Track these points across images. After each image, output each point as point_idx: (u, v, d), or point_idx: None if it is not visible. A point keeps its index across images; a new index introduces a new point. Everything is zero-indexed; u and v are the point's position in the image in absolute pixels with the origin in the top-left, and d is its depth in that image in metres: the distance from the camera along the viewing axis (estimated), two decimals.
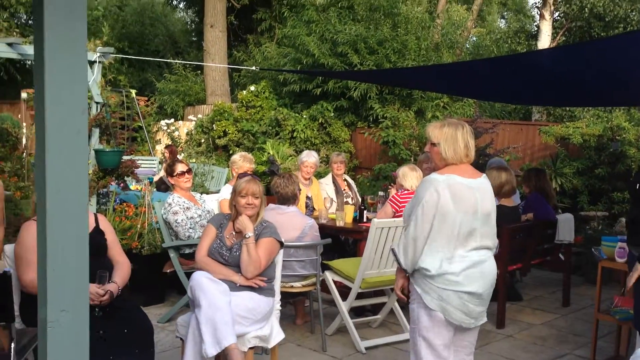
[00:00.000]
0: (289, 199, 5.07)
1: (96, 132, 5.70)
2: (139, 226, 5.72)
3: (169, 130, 14.17)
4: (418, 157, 7.33)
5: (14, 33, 5.27)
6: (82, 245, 1.09)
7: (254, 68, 9.44)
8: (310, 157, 6.63)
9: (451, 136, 3.11)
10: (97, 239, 3.73)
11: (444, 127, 3.16)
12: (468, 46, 13.60)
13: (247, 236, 3.82)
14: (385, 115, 10.99)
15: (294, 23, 13.09)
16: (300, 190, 5.40)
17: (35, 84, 1.14)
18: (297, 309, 5.34)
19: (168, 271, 5.38)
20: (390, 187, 6.34)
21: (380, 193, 6.67)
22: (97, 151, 5.51)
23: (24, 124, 13.65)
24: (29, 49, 5.24)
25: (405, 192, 5.47)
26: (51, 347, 1.05)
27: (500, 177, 5.88)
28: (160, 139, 14.74)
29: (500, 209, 5.65)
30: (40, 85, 1.07)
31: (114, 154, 5.56)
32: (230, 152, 12.70)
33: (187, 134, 14.24)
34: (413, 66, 10.91)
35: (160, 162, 11.86)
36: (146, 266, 5.45)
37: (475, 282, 3.06)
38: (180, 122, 15.03)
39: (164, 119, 14.87)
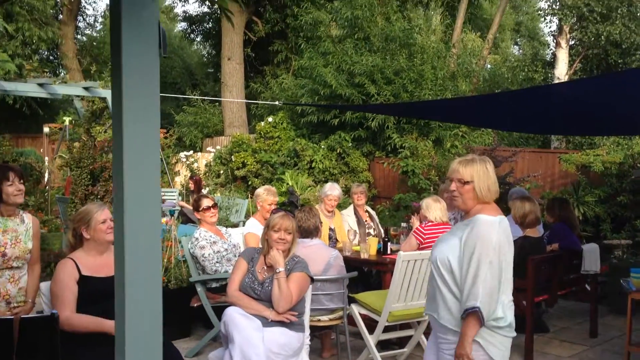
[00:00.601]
0: (312, 232, 5.12)
1: None
2: (165, 260, 5.77)
3: (188, 162, 14.33)
4: (439, 186, 7.34)
5: (44, 73, 5.44)
6: (157, 298, 1.14)
7: (277, 103, 9.56)
8: (334, 191, 6.68)
9: (484, 173, 2.92)
10: None
11: (475, 163, 2.94)
12: (484, 74, 13.67)
13: (278, 271, 3.87)
14: (403, 145, 11.05)
15: (311, 54, 13.27)
16: (321, 223, 5.44)
17: (113, 121, 1.20)
18: (323, 342, 5.33)
19: (195, 305, 5.41)
20: (412, 217, 6.35)
21: (403, 224, 6.68)
22: None
23: (46, 158, 13.91)
24: (59, 89, 5.39)
25: (430, 223, 5.49)
26: None
27: (524, 207, 5.85)
28: (179, 171, 14.90)
29: (525, 240, 5.68)
30: (118, 123, 1.14)
31: None
32: (249, 182, 12.80)
33: (206, 165, 14.39)
34: (430, 98, 11.01)
35: (179, 194, 11.99)
36: (173, 300, 5.49)
37: None
38: (199, 153, 15.20)
39: (182, 151, 15.05)
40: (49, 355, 2.49)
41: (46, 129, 14.52)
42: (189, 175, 12.82)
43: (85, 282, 3.58)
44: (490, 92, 13.45)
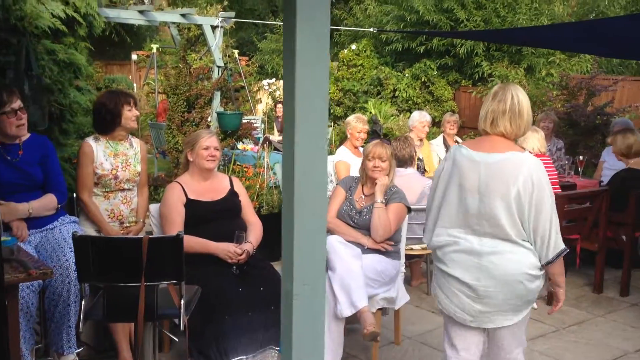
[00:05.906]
0: (406, 161, 5.10)
1: (218, 95, 5.89)
2: (257, 187, 5.91)
3: (270, 90, 14.41)
4: (536, 116, 7.06)
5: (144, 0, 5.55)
6: (322, 225, 1.16)
7: (372, 29, 9.31)
8: (425, 116, 6.58)
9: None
10: (232, 200, 3.91)
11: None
12: None
13: (377, 201, 3.88)
14: (492, 73, 10.63)
15: None
16: (415, 152, 5.40)
17: (284, 69, 1.21)
18: (412, 271, 5.39)
19: None
20: None
21: None
22: (219, 114, 5.71)
23: (135, 85, 14.34)
24: (158, 16, 5.45)
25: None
26: (296, 316, 1.15)
27: (627, 139, 5.60)
28: (260, 99, 15.03)
29: (628, 172, 5.45)
30: (290, 70, 1.14)
31: (235, 117, 5.75)
32: (332, 111, 12.77)
33: None
34: (524, 24, 10.44)
35: (262, 122, 12.13)
36: (264, 225, 5.64)
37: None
38: (282, 81, 15.22)
39: (265, 79, 15.12)
40: (175, 272, 2.64)
41: (134, 56, 14.85)
42: (273, 102, 12.90)
43: (191, 205, 3.73)
44: (586, 17, 12.56)
